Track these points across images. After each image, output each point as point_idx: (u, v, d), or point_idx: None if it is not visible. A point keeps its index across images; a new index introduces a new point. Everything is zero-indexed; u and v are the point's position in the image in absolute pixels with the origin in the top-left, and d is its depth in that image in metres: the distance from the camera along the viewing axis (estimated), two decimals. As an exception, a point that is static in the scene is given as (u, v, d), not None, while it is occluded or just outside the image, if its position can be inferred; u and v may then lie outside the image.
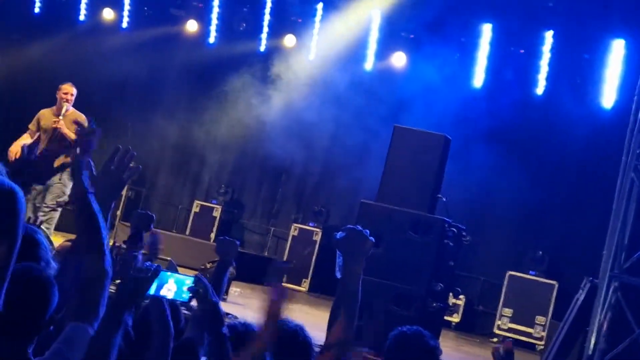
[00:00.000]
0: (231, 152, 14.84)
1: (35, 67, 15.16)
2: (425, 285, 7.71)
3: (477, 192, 12.83)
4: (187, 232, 14.22)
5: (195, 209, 14.52)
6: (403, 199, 8.03)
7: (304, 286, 13.06)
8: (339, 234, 3.31)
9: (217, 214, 14.29)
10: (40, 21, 15.81)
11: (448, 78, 12.35)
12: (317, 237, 13.35)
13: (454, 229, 7.94)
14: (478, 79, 12.82)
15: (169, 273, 3.44)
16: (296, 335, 3.44)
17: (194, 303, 3.51)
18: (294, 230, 13.59)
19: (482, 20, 12.72)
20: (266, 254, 14.30)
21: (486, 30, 12.71)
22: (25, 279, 2.90)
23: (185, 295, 3.42)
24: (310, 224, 13.59)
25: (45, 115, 9.56)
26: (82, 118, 9.43)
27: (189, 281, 3.42)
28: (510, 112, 12.43)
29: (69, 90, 9.59)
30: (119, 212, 14.22)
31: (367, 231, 3.36)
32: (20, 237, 2.05)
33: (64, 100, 9.50)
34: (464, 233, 8.05)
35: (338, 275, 3.31)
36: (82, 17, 15.69)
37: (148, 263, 3.04)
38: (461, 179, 12.27)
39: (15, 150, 9.18)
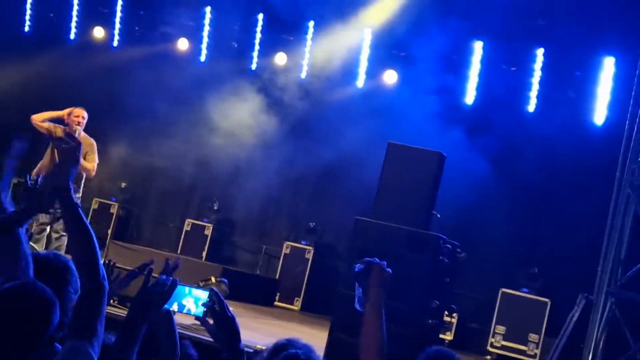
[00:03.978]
0: (223, 170, 14.78)
1: (25, 86, 15.10)
2: (421, 303, 7.67)
3: (470, 208, 12.80)
4: (179, 251, 14.14)
5: (186, 227, 14.44)
6: (398, 215, 7.98)
7: (297, 305, 13.00)
8: (357, 267, 3.30)
9: (208, 232, 14.22)
10: (30, 40, 15.78)
11: (439, 95, 12.37)
12: (310, 255, 13.29)
13: (449, 245, 7.92)
14: (470, 96, 12.85)
15: (187, 289, 3.44)
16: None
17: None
18: (286, 248, 13.53)
19: (473, 38, 12.77)
20: (258, 272, 14.24)
21: (477, 48, 12.77)
22: (25, 297, 2.87)
23: (200, 311, 3.38)
24: (303, 242, 13.54)
25: (58, 133, 9.41)
26: (91, 143, 9.50)
27: (204, 296, 3.40)
28: (501, 129, 12.45)
29: (79, 113, 9.62)
30: (109, 231, 14.16)
31: (385, 263, 3.33)
32: None
33: (76, 123, 9.50)
34: (458, 249, 8.03)
35: (357, 307, 3.30)
36: (72, 36, 15.68)
37: (164, 277, 3.00)
38: (453, 195, 12.27)
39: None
